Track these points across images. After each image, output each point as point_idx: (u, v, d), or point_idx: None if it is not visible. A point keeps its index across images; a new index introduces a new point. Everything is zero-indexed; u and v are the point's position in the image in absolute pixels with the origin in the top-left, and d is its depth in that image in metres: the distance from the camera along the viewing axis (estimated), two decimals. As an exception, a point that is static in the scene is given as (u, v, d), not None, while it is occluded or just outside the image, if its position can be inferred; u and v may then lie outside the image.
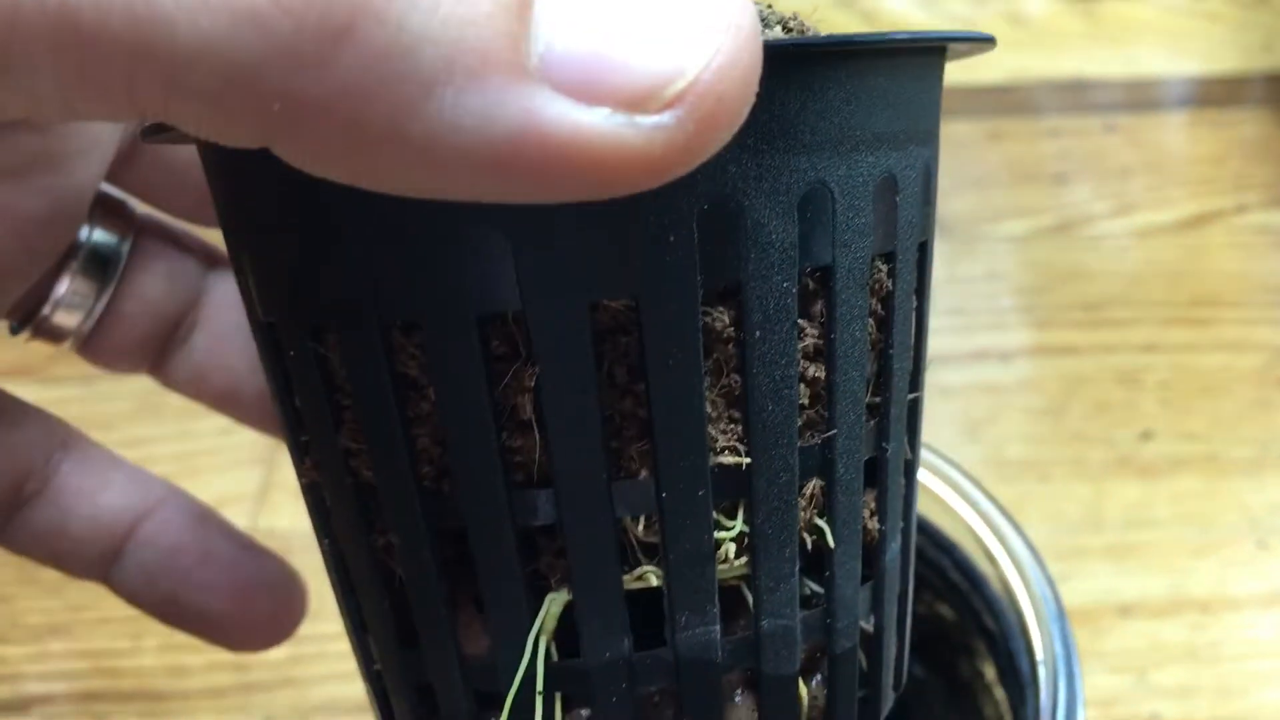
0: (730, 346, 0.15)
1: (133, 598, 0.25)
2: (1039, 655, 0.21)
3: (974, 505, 0.22)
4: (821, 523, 0.16)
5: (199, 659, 0.43)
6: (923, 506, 0.23)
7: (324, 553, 0.19)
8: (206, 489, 0.49)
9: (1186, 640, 0.42)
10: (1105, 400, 0.48)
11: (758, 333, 0.15)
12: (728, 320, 0.15)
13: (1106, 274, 0.52)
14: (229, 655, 0.44)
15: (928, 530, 0.24)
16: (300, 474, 0.19)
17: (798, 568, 0.16)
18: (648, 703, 0.17)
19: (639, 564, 0.16)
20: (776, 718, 0.17)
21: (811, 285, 0.16)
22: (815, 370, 0.16)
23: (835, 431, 0.16)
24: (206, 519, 0.26)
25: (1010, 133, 0.58)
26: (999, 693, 0.21)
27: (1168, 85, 0.59)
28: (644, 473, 0.15)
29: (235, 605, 0.22)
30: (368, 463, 0.17)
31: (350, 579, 0.19)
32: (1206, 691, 0.41)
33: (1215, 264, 0.52)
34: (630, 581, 0.16)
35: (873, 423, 0.17)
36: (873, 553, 0.17)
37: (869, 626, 0.18)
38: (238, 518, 0.48)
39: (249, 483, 0.48)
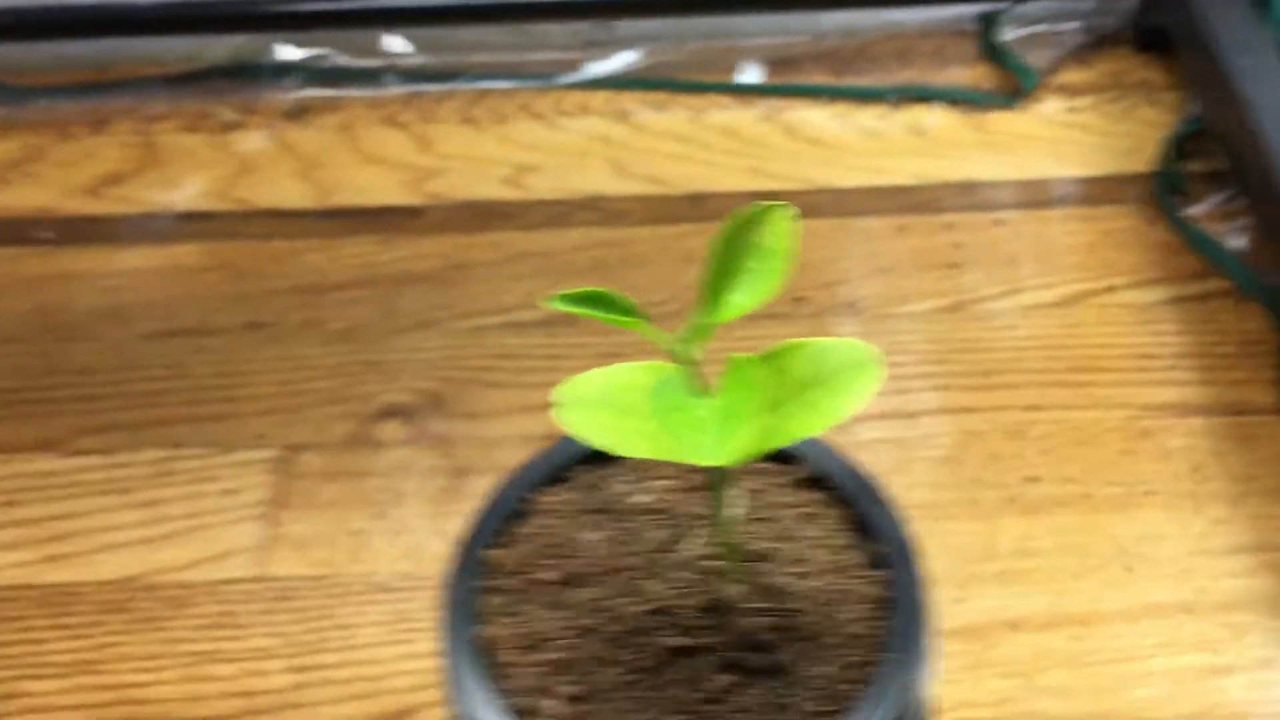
0: None
1: None
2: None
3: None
4: None
5: (212, 688, 0.49)
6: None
7: None
8: (215, 543, 0.55)
9: (1066, 649, 0.49)
10: (996, 451, 0.56)
11: None
12: None
13: (996, 346, 0.60)
14: (239, 684, 0.50)
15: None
16: None
17: None
18: None
19: None
20: None
21: None
22: None
23: None
24: None
25: (914, 227, 0.66)
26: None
27: (1048, 185, 0.68)
28: None
29: None
30: None
31: None
32: (1084, 691, 0.48)
33: (1089, 337, 0.60)
34: None
35: None
36: None
37: None
38: (243, 568, 0.55)
39: (253, 535, 0.54)
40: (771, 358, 0.23)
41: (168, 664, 0.50)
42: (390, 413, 0.59)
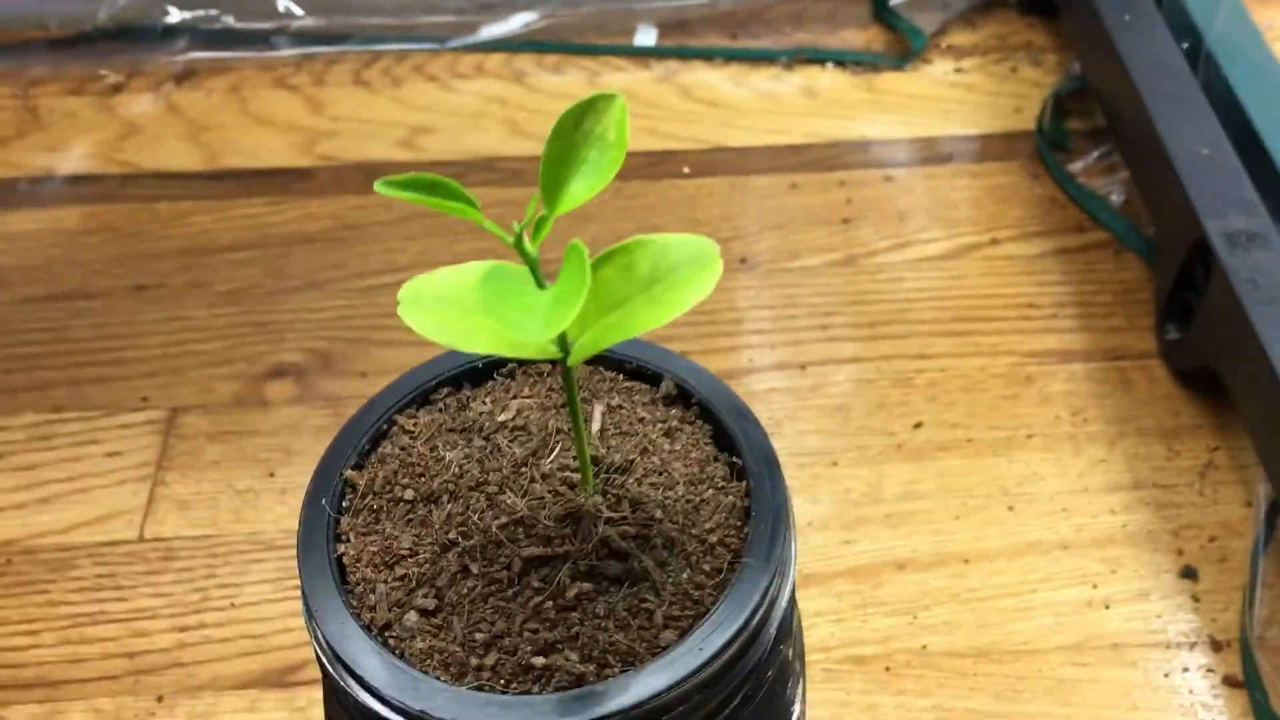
0: None
1: None
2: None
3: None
4: None
5: (94, 649, 0.48)
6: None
7: None
8: (96, 506, 0.54)
9: (950, 586, 0.50)
10: (884, 399, 0.56)
11: None
12: None
13: (886, 298, 0.61)
14: (122, 645, 0.49)
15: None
16: None
17: None
18: None
19: None
20: None
21: None
22: None
23: None
24: None
25: (807, 184, 0.67)
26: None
27: (937, 143, 0.69)
28: None
29: None
30: None
31: None
32: (966, 626, 0.49)
33: (974, 288, 0.61)
34: None
35: None
36: None
37: None
38: (127, 529, 0.54)
39: (136, 497, 0.53)
40: (617, 255, 0.23)
41: (47, 627, 0.49)
42: (279, 372, 0.58)
